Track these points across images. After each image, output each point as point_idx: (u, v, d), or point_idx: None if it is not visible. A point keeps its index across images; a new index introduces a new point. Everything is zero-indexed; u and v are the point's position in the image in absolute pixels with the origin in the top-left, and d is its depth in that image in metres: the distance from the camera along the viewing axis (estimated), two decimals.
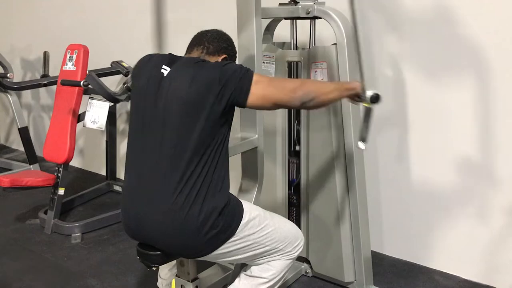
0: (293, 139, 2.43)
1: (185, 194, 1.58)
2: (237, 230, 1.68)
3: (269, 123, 2.43)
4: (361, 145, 1.79)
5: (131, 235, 1.76)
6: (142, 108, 1.68)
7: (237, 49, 2.06)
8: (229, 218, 1.66)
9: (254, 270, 1.85)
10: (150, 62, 1.74)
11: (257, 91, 1.61)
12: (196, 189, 1.59)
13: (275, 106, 1.67)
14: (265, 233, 1.76)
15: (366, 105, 1.77)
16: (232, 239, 1.68)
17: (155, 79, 1.67)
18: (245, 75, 1.61)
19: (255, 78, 1.62)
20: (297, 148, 2.42)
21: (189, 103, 1.58)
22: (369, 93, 1.76)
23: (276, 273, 1.83)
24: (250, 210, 1.75)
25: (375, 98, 1.76)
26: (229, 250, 1.70)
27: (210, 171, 1.62)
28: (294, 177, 2.46)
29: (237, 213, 1.70)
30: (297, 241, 1.87)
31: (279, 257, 1.83)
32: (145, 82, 1.69)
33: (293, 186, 2.47)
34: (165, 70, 1.67)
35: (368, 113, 1.79)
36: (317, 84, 1.80)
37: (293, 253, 1.86)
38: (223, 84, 1.58)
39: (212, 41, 1.82)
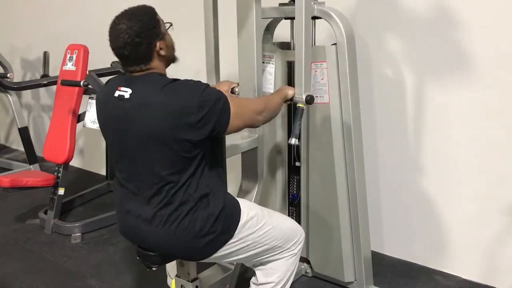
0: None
1: (173, 208, 1.58)
2: (236, 232, 1.68)
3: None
4: (294, 141, 1.94)
5: (132, 242, 1.78)
6: (117, 133, 1.64)
7: (237, 49, 2.06)
8: (227, 221, 1.66)
9: (260, 277, 1.86)
10: (105, 88, 1.70)
11: (234, 121, 1.61)
12: (185, 200, 1.59)
13: (243, 128, 1.77)
14: (263, 232, 1.75)
15: (300, 105, 1.99)
16: (231, 240, 1.68)
17: (115, 105, 1.60)
18: (225, 106, 1.57)
19: (232, 109, 1.59)
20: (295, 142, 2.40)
21: (163, 130, 1.51)
22: (305, 96, 1.99)
23: (282, 274, 1.84)
24: (247, 209, 1.75)
25: (312, 99, 2.00)
26: (228, 252, 1.70)
27: (201, 183, 1.61)
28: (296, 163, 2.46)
29: (234, 214, 1.69)
30: (296, 237, 1.87)
31: (280, 256, 1.84)
32: (108, 112, 1.65)
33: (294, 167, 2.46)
34: (125, 91, 1.57)
35: (301, 113, 1.98)
36: (270, 101, 1.86)
37: (293, 250, 1.86)
38: (206, 113, 1.51)
39: (130, 48, 1.56)
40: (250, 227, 1.72)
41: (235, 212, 1.70)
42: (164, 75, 1.65)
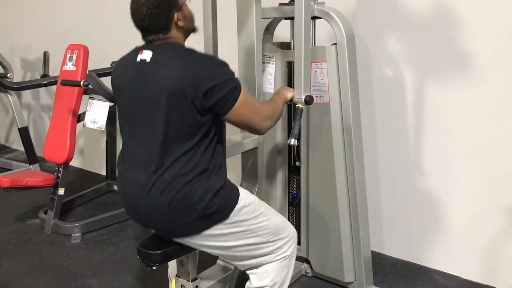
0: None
1: (172, 176, 1.60)
2: (232, 214, 1.68)
3: None
4: (293, 141, 1.93)
5: (130, 215, 1.80)
6: (130, 95, 1.68)
7: (237, 49, 2.06)
8: (224, 200, 1.67)
9: (253, 281, 1.85)
10: (126, 55, 1.75)
11: (239, 110, 1.63)
12: (186, 171, 1.60)
13: (246, 127, 1.73)
14: (258, 221, 1.75)
15: (300, 105, 1.98)
16: (226, 221, 1.68)
17: (135, 68, 1.66)
18: (236, 90, 1.61)
19: (241, 97, 1.62)
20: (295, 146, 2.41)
21: (176, 90, 1.56)
22: (304, 96, 1.98)
23: (275, 277, 1.83)
24: (246, 196, 1.76)
25: (311, 100, 2.00)
26: (220, 233, 1.69)
27: (204, 156, 1.63)
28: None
29: (233, 196, 1.70)
30: (289, 236, 1.86)
31: (272, 257, 1.82)
32: (127, 73, 1.70)
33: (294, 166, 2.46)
34: (147, 55, 1.64)
35: (301, 113, 1.98)
36: (277, 108, 1.86)
37: (286, 252, 1.85)
38: (214, 85, 1.56)
39: (149, 19, 1.63)
40: (246, 213, 1.72)
41: (233, 194, 1.71)
42: (183, 45, 1.71)
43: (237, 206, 1.70)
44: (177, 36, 1.69)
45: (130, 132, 1.72)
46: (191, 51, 1.64)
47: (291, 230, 1.89)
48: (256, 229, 1.75)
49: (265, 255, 1.82)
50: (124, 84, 1.70)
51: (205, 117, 1.61)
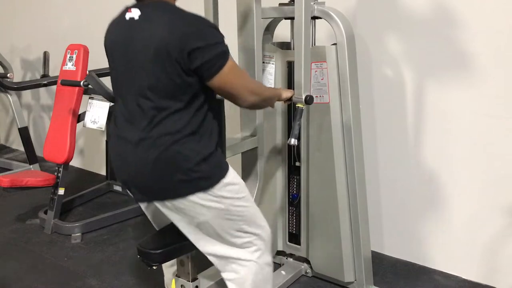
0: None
1: (160, 133, 1.58)
2: (217, 185, 1.65)
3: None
4: (293, 141, 1.94)
5: (116, 175, 1.76)
6: (120, 53, 1.66)
7: (237, 49, 2.06)
8: (212, 169, 1.63)
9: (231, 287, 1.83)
10: (117, 15, 1.73)
11: (226, 76, 1.58)
12: (174, 130, 1.58)
13: (228, 96, 1.66)
14: (239, 203, 1.72)
15: (300, 105, 2.00)
16: (209, 192, 1.64)
17: (125, 26, 1.64)
18: (224, 55, 1.57)
19: (228, 63, 1.58)
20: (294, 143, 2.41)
21: (162, 48, 1.52)
22: (304, 96, 2.00)
23: (252, 282, 1.79)
24: (234, 175, 1.73)
25: (311, 100, 2.02)
26: (201, 203, 1.64)
27: (194, 119, 1.60)
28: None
29: (221, 168, 1.67)
30: (261, 235, 1.82)
31: (240, 253, 1.78)
32: (117, 32, 1.68)
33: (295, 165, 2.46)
34: (135, 13, 1.61)
35: (301, 113, 1.99)
36: (265, 90, 1.83)
37: (255, 251, 1.80)
38: (200, 46, 1.52)
39: None
40: (230, 192, 1.69)
41: (222, 166, 1.68)
42: (173, 4, 1.66)
43: (224, 180, 1.66)
44: None
45: (121, 91, 1.69)
46: (181, 10, 1.58)
47: (266, 230, 1.84)
48: (234, 211, 1.71)
49: (233, 246, 1.77)
50: (115, 42, 1.68)
51: (192, 78, 1.56)
